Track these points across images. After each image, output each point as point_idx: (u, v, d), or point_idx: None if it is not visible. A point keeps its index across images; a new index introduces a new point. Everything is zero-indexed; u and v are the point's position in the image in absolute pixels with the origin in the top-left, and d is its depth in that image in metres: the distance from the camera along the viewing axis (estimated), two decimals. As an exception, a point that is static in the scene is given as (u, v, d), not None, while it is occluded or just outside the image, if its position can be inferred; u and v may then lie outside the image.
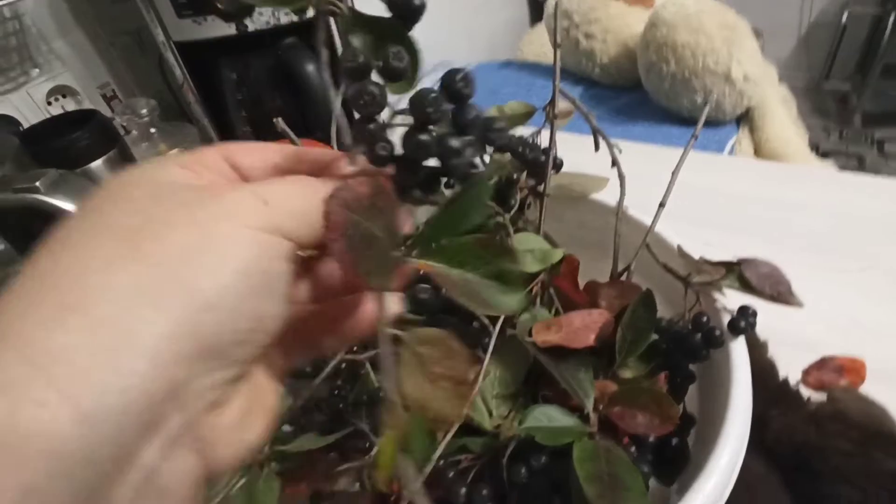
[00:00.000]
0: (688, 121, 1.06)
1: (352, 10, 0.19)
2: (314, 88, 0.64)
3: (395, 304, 0.19)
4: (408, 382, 0.17)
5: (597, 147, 0.36)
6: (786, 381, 0.37)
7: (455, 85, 0.20)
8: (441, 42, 1.46)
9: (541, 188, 0.37)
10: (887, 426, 0.32)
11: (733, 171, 0.67)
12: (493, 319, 0.29)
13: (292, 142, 0.31)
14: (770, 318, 0.35)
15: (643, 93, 1.12)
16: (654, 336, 0.28)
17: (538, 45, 1.49)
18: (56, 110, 0.76)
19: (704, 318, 0.27)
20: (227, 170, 0.18)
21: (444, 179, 0.21)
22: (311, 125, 0.66)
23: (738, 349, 0.27)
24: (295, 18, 0.63)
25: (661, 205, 0.32)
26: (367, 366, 0.29)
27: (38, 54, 0.74)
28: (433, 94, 0.19)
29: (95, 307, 0.13)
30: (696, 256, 0.31)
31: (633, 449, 0.27)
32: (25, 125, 0.70)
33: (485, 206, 0.18)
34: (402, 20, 0.19)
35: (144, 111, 0.74)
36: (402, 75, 0.19)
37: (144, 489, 0.13)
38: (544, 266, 0.32)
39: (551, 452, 0.25)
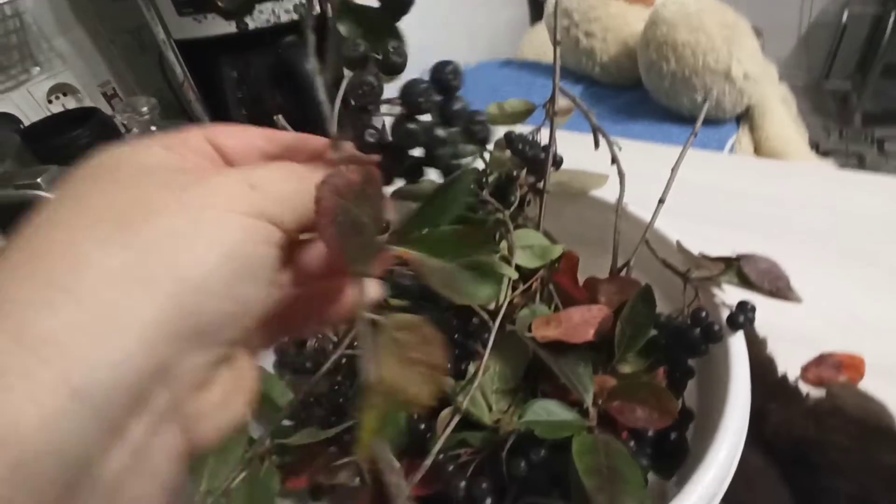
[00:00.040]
0: (688, 119, 1.06)
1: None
2: (315, 87, 0.64)
3: (374, 289, 0.19)
4: (384, 365, 0.17)
5: (597, 145, 0.36)
6: (785, 377, 0.37)
7: (444, 76, 0.20)
8: (441, 41, 1.46)
9: (540, 185, 0.37)
10: (885, 421, 0.32)
11: (733, 169, 0.67)
12: (493, 315, 0.29)
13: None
14: (769, 315, 0.36)
15: (643, 91, 1.12)
16: (654, 331, 0.29)
17: (538, 45, 1.49)
18: (57, 108, 0.76)
19: (703, 313, 0.27)
20: (210, 152, 0.19)
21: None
22: (311, 123, 0.66)
23: (737, 344, 0.27)
24: (295, 16, 0.63)
25: (661, 201, 0.32)
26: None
27: (38, 52, 0.74)
28: (424, 85, 0.20)
29: (87, 287, 0.13)
30: (696, 252, 0.31)
31: (632, 443, 0.27)
32: (26, 123, 0.70)
33: (464, 200, 0.19)
34: (390, 12, 0.19)
35: (145, 109, 0.74)
36: (401, 69, 0.19)
37: (132, 464, 0.14)
38: (544, 262, 0.32)
39: (550, 446, 0.25)
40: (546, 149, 0.37)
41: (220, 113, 0.74)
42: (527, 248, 0.32)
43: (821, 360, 0.40)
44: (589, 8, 1.15)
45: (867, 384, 0.38)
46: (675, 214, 0.34)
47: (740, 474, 0.28)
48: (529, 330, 0.28)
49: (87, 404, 0.12)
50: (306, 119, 0.24)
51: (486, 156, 0.40)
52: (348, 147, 0.19)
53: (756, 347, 0.39)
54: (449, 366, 0.30)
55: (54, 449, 0.12)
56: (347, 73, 0.21)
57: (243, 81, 0.70)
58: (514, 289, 0.31)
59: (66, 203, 0.15)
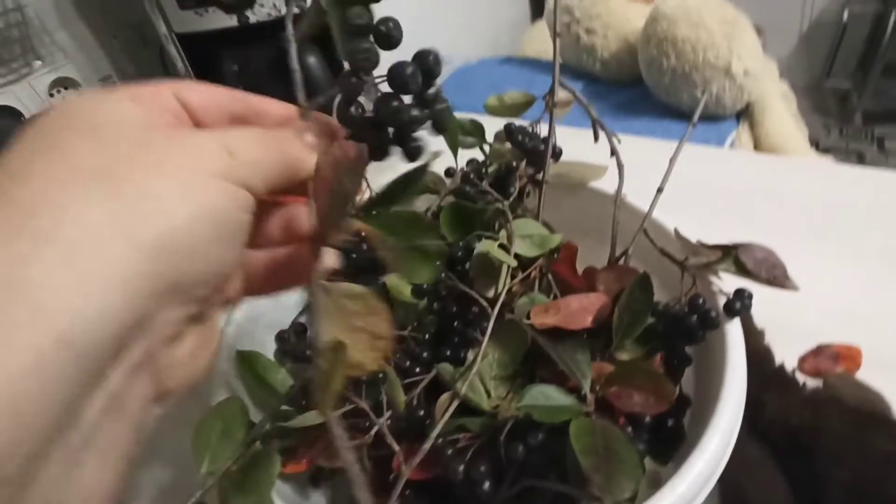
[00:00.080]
0: (688, 116, 1.07)
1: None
2: (316, 80, 0.65)
3: (331, 258, 0.21)
4: (330, 330, 0.18)
5: (596, 138, 0.37)
6: (782, 367, 0.37)
7: (427, 62, 0.22)
8: (442, 40, 1.47)
9: (540, 176, 0.37)
10: (881, 409, 0.33)
11: (732, 164, 0.67)
12: (492, 303, 0.29)
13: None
14: (767, 306, 0.36)
15: (644, 88, 1.12)
16: (651, 319, 0.29)
17: (539, 42, 1.49)
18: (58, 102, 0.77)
19: (700, 300, 0.27)
20: (177, 107, 0.19)
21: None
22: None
23: (734, 331, 0.27)
24: (295, 10, 0.63)
25: (659, 190, 0.33)
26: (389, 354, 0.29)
27: (40, 46, 0.74)
28: (411, 68, 0.21)
29: (72, 242, 0.13)
30: (693, 241, 0.31)
31: (629, 429, 0.27)
32: (28, 116, 0.70)
33: (419, 188, 0.22)
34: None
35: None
36: (397, 43, 0.21)
37: (109, 409, 0.15)
38: (542, 251, 0.32)
39: (548, 430, 0.25)
40: (545, 140, 0.37)
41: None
42: (526, 237, 0.32)
43: (818, 351, 0.40)
44: (590, 4, 1.15)
45: (864, 375, 0.38)
46: (674, 209, 0.34)
47: (737, 462, 0.28)
48: (528, 317, 0.29)
49: (72, 352, 0.13)
50: None
51: (486, 147, 0.40)
52: (316, 115, 0.20)
53: (754, 338, 0.39)
54: (400, 349, 0.31)
55: (42, 392, 0.12)
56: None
57: (244, 75, 0.70)
58: (513, 277, 0.32)
59: (45, 154, 0.15)
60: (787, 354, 0.39)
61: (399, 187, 0.20)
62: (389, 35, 0.20)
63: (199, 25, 0.66)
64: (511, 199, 0.36)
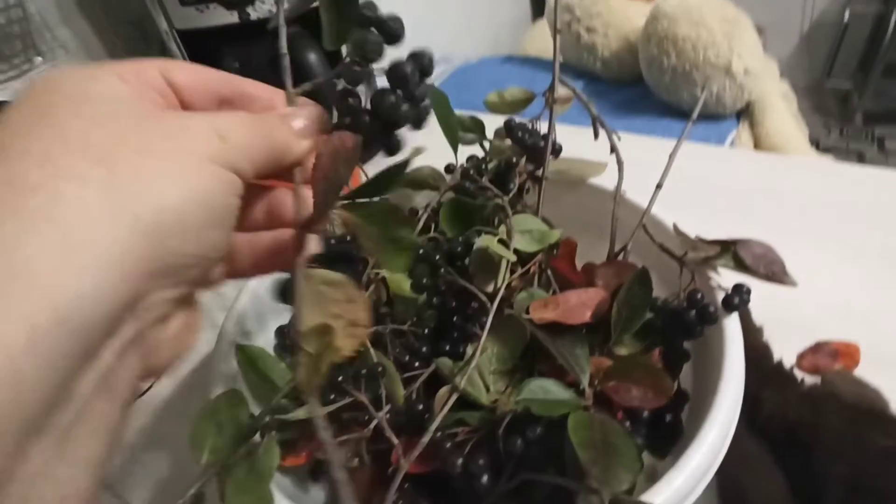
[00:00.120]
0: (688, 114, 1.06)
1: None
2: (317, 77, 0.65)
3: (314, 243, 0.21)
4: (308, 315, 0.19)
5: (596, 135, 0.37)
6: (780, 364, 0.37)
7: (423, 62, 0.23)
8: (442, 38, 1.47)
9: (539, 173, 0.37)
10: (878, 405, 0.33)
11: (732, 162, 0.67)
12: (492, 298, 0.29)
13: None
14: (766, 303, 0.36)
15: (644, 87, 1.12)
16: (650, 314, 0.29)
17: (540, 41, 1.49)
18: (59, 98, 0.77)
19: (699, 295, 0.27)
20: (163, 86, 0.19)
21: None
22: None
23: (732, 325, 0.27)
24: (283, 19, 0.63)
25: (659, 186, 0.33)
26: (367, 341, 0.30)
27: (41, 42, 0.74)
28: (410, 67, 0.23)
29: (71, 222, 0.14)
30: (692, 236, 0.31)
31: (627, 424, 0.27)
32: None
33: (399, 182, 0.22)
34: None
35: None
36: (398, 39, 0.22)
37: (100, 385, 0.15)
38: (542, 246, 0.32)
39: (547, 424, 0.25)
40: (545, 137, 0.37)
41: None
42: (525, 232, 0.32)
43: (817, 348, 0.40)
44: (590, 3, 1.15)
45: (862, 372, 0.38)
46: (674, 207, 0.34)
47: (735, 458, 0.28)
48: (527, 312, 0.29)
49: (67, 329, 0.13)
50: None
51: (486, 144, 0.40)
52: (302, 101, 0.21)
53: (752, 335, 0.39)
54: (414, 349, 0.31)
55: (39, 367, 0.13)
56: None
57: (245, 72, 0.70)
58: (512, 272, 0.32)
59: (38, 131, 0.15)
60: (785, 351, 0.39)
61: (383, 180, 0.21)
62: (395, 30, 0.22)
63: (200, 22, 0.66)
64: (511, 195, 0.36)
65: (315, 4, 0.23)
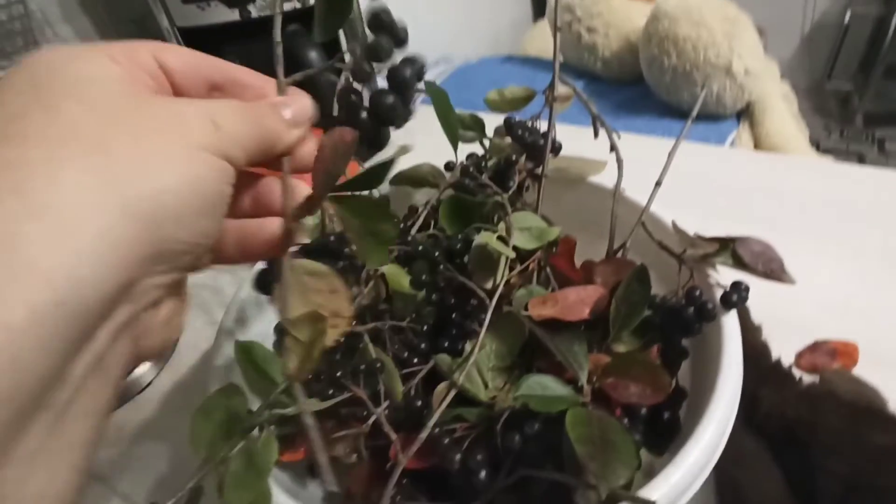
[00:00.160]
0: (688, 115, 1.06)
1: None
2: (321, 78, 0.65)
3: (303, 234, 0.22)
4: (293, 304, 0.20)
5: (596, 134, 0.37)
6: (778, 362, 0.37)
7: (418, 67, 0.25)
8: (443, 38, 1.47)
9: (539, 171, 0.37)
10: (877, 404, 0.33)
11: (732, 161, 0.67)
12: (490, 294, 0.29)
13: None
14: (765, 302, 0.36)
15: (645, 87, 1.13)
16: (648, 311, 0.29)
17: (540, 42, 1.49)
18: (60, 95, 0.77)
19: (697, 292, 0.27)
20: (156, 70, 0.19)
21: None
22: (320, 115, 0.66)
23: (730, 323, 0.27)
24: (298, 5, 0.63)
25: (658, 183, 0.33)
26: (366, 337, 0.30)
27: (42, 39, 0.74)
28: (409, 72, 0.24)
29: (67, 203, 0.14)
30: (691, 233, 0.31)
31: (625, 420, 0.27)
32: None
33: (382, 179, 0.23)
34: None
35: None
36: (405, 44, 0.24)
37: (93, 367, 0.15)
38: (541, 243, 0.32)
39: (545, 420, 0.25)
40: (545, 135, 0.37)
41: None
42: (524, 229, 0.32)
43: (815, 346, 0.40)
44: (591, 3, 1.15)
45: (861, 371, 0.38)
46: (674, 206, 0.34)
47: (733, 456, 0.28)
48: (526, 309, 0.29)
49: (65, 310, 0.13)
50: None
51: (486, 142, 0.40)
52: (293, 90, 0.21)
53: (751, 334, 0.39)
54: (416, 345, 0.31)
55: (36, 348, 0.13)
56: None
57: (246, 70, 0.70)
58: (511, 270, 0.32)
59: (34, 113, 0.15)
60: (784, 350, 0.39)
61: (371, 175, 0.22)
62: (403, 36, 0.23)
63: (201, 20, 0.66)
64: (510, 192, 0.36)
65: (312, 3, 0.24)
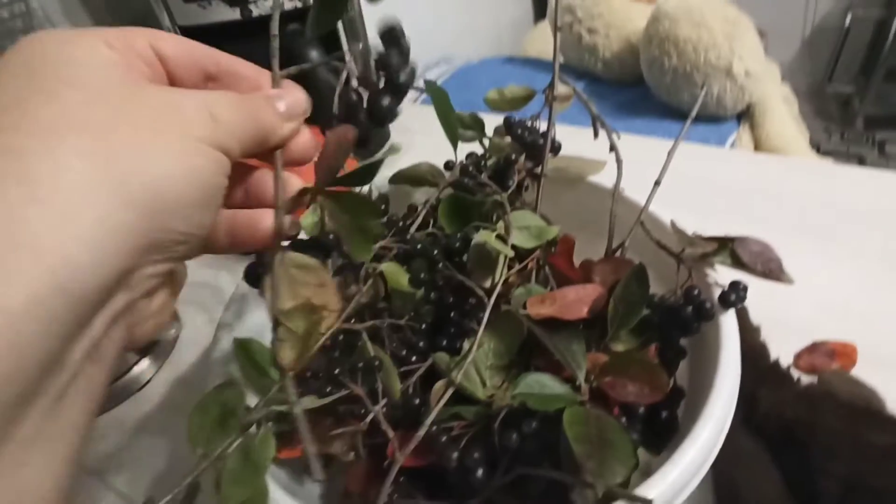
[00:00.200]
0: (689, 116, 1.07)
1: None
2: (316, 74, 0.65)
3: (291, 223, 0.22)
4: (284, 298, 0.20)
5: (596, 134, 0.37)
6: (777, 363, 0.37)
7: (413, 72, 0.26)
8: (444, 39, 1.47)
9: (538, 170, 0.37)
10: (875, 405, 0.33)
11: (732, 163, 0.67)
12: (489, 293, 0.29)
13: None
14: (763, 303, 0.36)
15: (645, 88, 1.13)
16: (646, 310, 0.29)
17: (541, 43, 1.49)
18: (61, 94, 0.77)
19: (696, 292, 0.27)
20: (151, 57, 0.19)
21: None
22: (316, 111, 0.66)
23: (728, 322, 0.27)
24: (299, 4, 0.63)
25: (657, 183, 0.33)
26: (364, 335, 0.30)
27: (43, 37, 0.74)
28: (406, 76, 0.24)
29: (69, 192, 0.14)
30: (690, 233, 0.31)
31: (623, 420, 0.27)
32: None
33: (371, 178, 0.24)
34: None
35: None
36: (408, 59, 0.25)
37: (90, 353, 0.16)
38: (540, 242, 0.32)
39: (542, 418, 0.25)
40: (545, 134, 0.37)
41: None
42: (523, 228, 0.32)
43: (813, 347, 0.40)
44: (592, 4, 1.16)
45: (860, 372, 0.38)
46: (673, 207, 0.34)
47: (731, 456, 0.28)
48: (524, 308, 0.29)
49: (66, 297, 0.14)
50: (313, 106, 0.26)
51: (486, 142, 0.40)
52: (287, 83, 0.22)
53: (749, 334, 0.39)
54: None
55: (37, 332, 0.13)
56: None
57: (246, 69, 0.70)
58: (509, 268, 0.32)
59: (33, 100, 0.15)
60: (782, 351, 0.39)
61: (362, 173, 0.23)
62: (406, 51, 0.24)
63: (203, 18, 0.66)
64: (509, 191, 0.36)
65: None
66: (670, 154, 0.33)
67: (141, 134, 0.16)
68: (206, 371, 0.30)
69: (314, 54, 0.65)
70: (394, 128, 0.57)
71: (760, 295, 0.31)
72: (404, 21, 0.25)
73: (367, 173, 0.23)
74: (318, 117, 0.24)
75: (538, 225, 0.33)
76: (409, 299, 0.33)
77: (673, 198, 0.34)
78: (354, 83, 0.24)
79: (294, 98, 0.21)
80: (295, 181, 0.22)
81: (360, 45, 0.67)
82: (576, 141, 0.39)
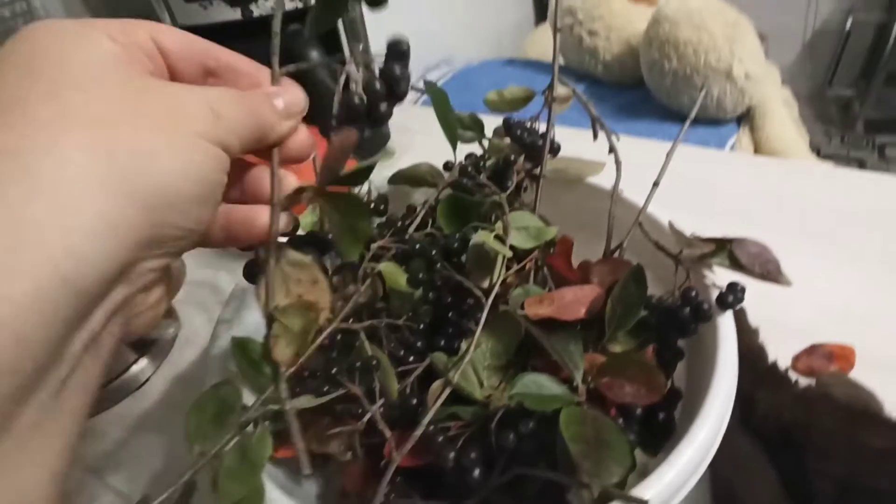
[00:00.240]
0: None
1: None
2: (317, 75, 0.65)
3: (285, 221, 0.23)
4: (276, 293, 0.21)
5: (595, 136, 0.37)
6: (775, 364, 0.37)
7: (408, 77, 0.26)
8: (445, 41, 1.47)
9: (537, 171, 0.37)
10: (873, 407, 0.33)
11: (731, 165, 0.67)
12: (487, 293, 0.29)
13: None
14: (762, 305, 0.36)
15: (645, 91, 1.13)
16: (644, 311, 0.29)
17: (542, 45, 1.50)
18: (61, 93, 0.77)
19: (693, 293, 0.28)
20: (152, 50, 0.19)
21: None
22: (314, 111, 0.67)
23: (726, 324, 0.27)
24: (299, 4, 0.64)
25: (655, 184, 0.33)
26: (362, 335, 0.30)
27: (44, 36, 0.74)
28: (403, 84, 0.25)
29: (73, 186, 0.15)
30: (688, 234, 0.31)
31: (620, 421, 0.27)
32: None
33: (364, 180, 0.25)
34: None
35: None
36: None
37: (89, 345, 0.16)
38: (538, 243, 0.32)
39: (539, 419, 0.25)
40: (544, 135, 0.37)
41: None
42: (522, 229, 0.32)
43: (812, 350, 0.40)
44: (592, 7, 1.16)
45: (858, 375, 0.38)
46: (673, 209, 0.34)
47: (728, 458, 0.28)
48: (522, 308, 0.29)
49: (69, 289, 0.14)
50: (311, 106, 0.26)
51: (485, 142, 0.40)
52: (286, 81, 0.22)
53: (747, 336, 0.39)
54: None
55: (40, 324, 0.14)
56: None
57: (247, 69, 0.70)
58: (508, 269, 0.32)
59: (36, 96, 0.15)
60: (780, 353, 0.39)
61: (355, 176, 0.24)
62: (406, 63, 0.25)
63: (204, 18, 0.66)
64: (508, 192, 0.36)
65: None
66: (669, 155, 0.33)
67: (143, 129, 0.16)
68: (204, 370, 0.30)
69: (314, 54, 0.65)
70: (394, 128, 0.57)
71: (759, 297, 0.31)
72: (406, 22, 0.25)
73: (361, 176, 0.24)
74: (315, 117, 0.25)
75: (537, 226, 0.33)
76: (407, 299, 0.33)
77: (673, 200, 0.34)
78: (358, 87, 0.25)
79: (292, 96, 0.22)
80: (291, 179, 0.22)
81: (361, 46, 0.67)
82: (575, 143, 0.39)
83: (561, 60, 0.36)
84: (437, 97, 0.33)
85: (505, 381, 0.29)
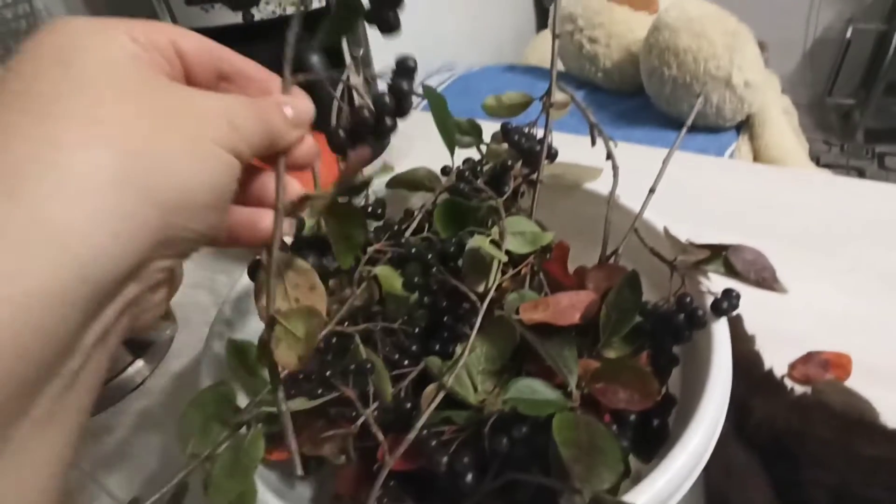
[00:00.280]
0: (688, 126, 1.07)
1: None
2: (320, 84, 0.65)
3: (287, 225, 0.23)
4: (275, 297, 0.21)
5: (593, 142, 0.37)
6: (770, 372, 0.37)
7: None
8: (446, 48, 1.48)
9: (534, 176, 0.38)
10: (868, 416, 0.33)
11: (730, 173, 0.67)
12: (482, 298, 0.29)
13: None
14: (759, 313, 0.36)
15: (645, 98, 1.13)
16: (639, 317, 0.29)
17: (542, 52, 1.50)
18: (63, 94, 0.77)
19: (688, 299, 0.28)
20: (171, 53, 0.20)
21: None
22: (319, 119, 0.67)
23: (720, 330, 0.27)
24: (301, 8, 0.64)
25: (651, 190, 0.33)
26: (357, 338, 0.30)
27: (47, 38, 0.75)
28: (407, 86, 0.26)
29: (94, 187, 0.15)
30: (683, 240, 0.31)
31: (614, 427, 0.27)
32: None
33: (362, 187, 0.27)
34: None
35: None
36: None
37: (98, 340, 0.16)
38: (534, 248, 0.32)
39: (533, 424, 0.25)
40: (541, 141, 0.37)
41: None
42: (518, 234, 0.32)
43: (808, 357, 0.40)
44: (593, 14, 1.16)
45: (854, 383, 0.38)
46: (670, 217, 0.34)
47: (722, 466, 0.28)
48: (517, 313, 0.29)
49: (87, 285, 0.15)
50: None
51: (483, 148, 0.40)
52: (296, 91, 0.23)
53: (743, 343, 0.39)
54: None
55: (59, 317, 0.14)
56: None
57: (248, 72, 0.71)
58: (504, 274, 0.32)
59: (57, 94, 0.16)
60: (777, 361, 0.39)
61: (353, 189, 0.26)
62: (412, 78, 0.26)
63: (205, 22, 0.66)
64: (505, 197, 0.36)
65: (315, 7, 0.25)
66: (665, 162, 0.33)
67: (163, 133, 0.16)
68: (199, 372, 0.30)
69: (315, 59, 0.66)
70: (393, 133, 0.57)
71: (756, 304, 0.31)
72: (407, 28, 0.26)
73: (358, 190, 0.26)
74: (319, 125, 0.25)
75: (533, 231, 0.33)
76: (402, 303, 0.34)
77: (671, 207, 0.34)
78: (366, 99, 0.25)
79: (302, 105, 0.22)
80: (295, 185, 0.23)
81: (361, 51, 0.67)
82: (573, 149, 0.39)
83: (561, 67, 0.36)
84: (436, 102, 0.33)
85: (499, 386, 0.29)
